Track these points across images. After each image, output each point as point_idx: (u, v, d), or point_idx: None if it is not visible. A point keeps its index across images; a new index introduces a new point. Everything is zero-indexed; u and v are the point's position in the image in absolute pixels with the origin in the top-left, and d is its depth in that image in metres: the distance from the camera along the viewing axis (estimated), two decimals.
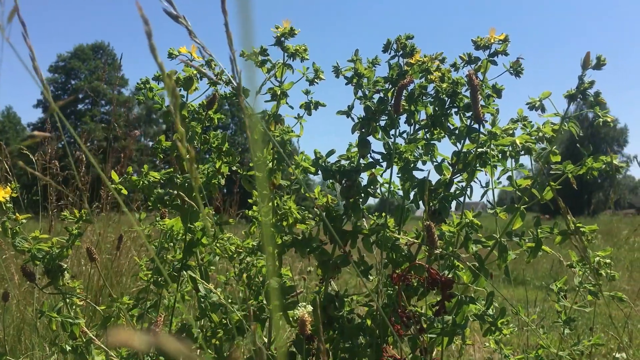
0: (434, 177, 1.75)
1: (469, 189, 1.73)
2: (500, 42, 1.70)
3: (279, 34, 1.77)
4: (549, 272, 6.43)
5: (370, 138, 1.78)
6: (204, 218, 1.81)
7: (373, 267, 1.78)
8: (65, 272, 1.74)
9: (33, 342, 2.55)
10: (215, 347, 1.77)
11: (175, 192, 1.76)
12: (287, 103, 1.84)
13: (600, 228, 1.65)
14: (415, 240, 1.72)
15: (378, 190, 1.82)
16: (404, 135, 1.79)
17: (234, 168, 1.86)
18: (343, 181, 1.77)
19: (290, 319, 1.80)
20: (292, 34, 1.78)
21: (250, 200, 2.01)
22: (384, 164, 1.78)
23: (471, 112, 1.68)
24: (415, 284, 1.65)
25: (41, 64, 0.71)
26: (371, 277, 1.81)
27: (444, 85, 1.72)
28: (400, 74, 1.74)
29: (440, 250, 1.55)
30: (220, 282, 2.11)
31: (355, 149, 1.81)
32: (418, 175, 1.76)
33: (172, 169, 1.81)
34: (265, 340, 1.84)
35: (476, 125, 1.69)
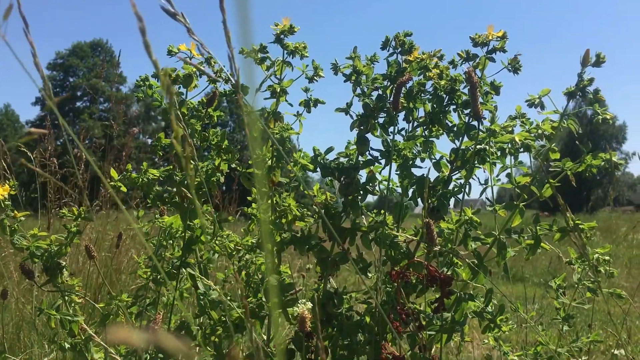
0: (433, 175, 1.75)
1: (467, 186, 1.73)
2: (498, 39, 1.69)
3: (278, 32, 1.77)
4: (547, 269, 6.44)
5: (369, 135, 1.78)
6: (200, 215, 1.81)
7: (372, 264, 1.78)
8: (64, 269, 1.74)
9: (32, 339, 2.55)
10: (215, 345, 1.78)
11: (174, 189, 1.76)
12: (286, 100, 1.84)
13: (599, 225, 1.65)
14: (414, 238, 1.72)
15: (377, 188, 1.82)
16: (403, 132, 1.79)
17: (233, 165, 1.86)
18: (342, 178, 1.78)
19: (290, 316, 1.80)
20: (292, 31, 1.77)
21: (249, 198, 2.01)
22: (383, 161, 1.78)
23: (469, 109, 1.68)
24: (414, 281, 1.65)
25: (40, 60, 0.70)
26: (370, 275, 1.81)
27: (442, 82, 1.71)
28: (399, 71, 1.74)
29: (439, 247, 1.55)
30: (219, 279, 2.11)
31: (354, 147, 1.81)
32: (417, 172, 1.76)
33: (171, 167, 1.81)
34: (265, 337, 1.84)
35: (475, 123, 1.68)
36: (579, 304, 1.73)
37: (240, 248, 1.89)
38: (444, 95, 1.73)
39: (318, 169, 1.82)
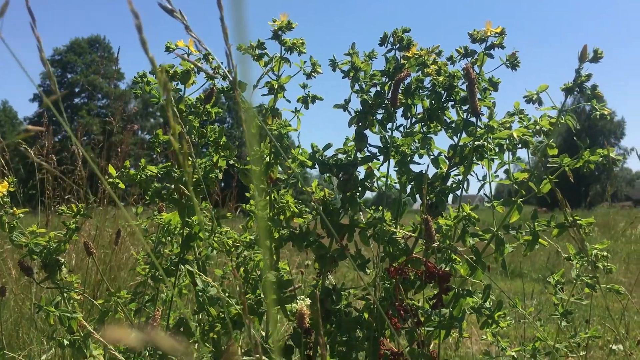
0: (431, 171, 1.75)
1: (465, 183, 1.73)
2: (497, 35, 1.69)
3: (276, 28, 1.77)
4: (546, 264, 6.45)
5: (367, 132, 1.78)
6: (198, 212, 1.81)
7: (370, 260, 1.78)
8: (63, 266, 1.74)
9: (31, 336, 2.55)
10: (213, 341, 1.78)
11: (173, 186, 1.76)
12: (284, 97, 1.84)
13: (597, 220, 1.65)
14: (412, 234, 1.72)
15: (375, 184, 1.82)
16: (401, 128, 1.78)
17: (232, 162, 1.86)
18: (340, 175, 1.77)
19: (288, 312, 1.80)
20: (290, 27, 1.77)
21: (248, 194, 2.01)
22: (381, 158, 1.78)
23: (468, 106, 1.67)
24: (413, 277, 1.65)
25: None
26: (368, 271, 1.81)
27: (441, 78, 1.71)
28: (397, 67, 1.74)
29: (438, 243, 1.55)
30: (218, 276, 2.11)
31: (352, 143, 1.81)
32: (415, 168, 1.76)
33: (169, 163, 1.80)
34: (263, 334, 1.84)
35: (473, 119, 1.68)
36: (577, 300, 1.73)
37: (238, 245, 1.89)
38: (442, 92, 1.72)
39: (316, 166, 1.82)
